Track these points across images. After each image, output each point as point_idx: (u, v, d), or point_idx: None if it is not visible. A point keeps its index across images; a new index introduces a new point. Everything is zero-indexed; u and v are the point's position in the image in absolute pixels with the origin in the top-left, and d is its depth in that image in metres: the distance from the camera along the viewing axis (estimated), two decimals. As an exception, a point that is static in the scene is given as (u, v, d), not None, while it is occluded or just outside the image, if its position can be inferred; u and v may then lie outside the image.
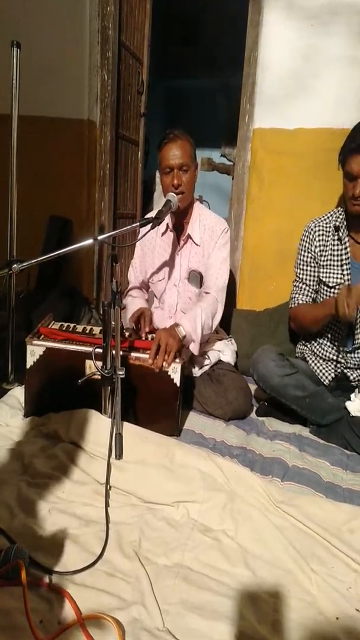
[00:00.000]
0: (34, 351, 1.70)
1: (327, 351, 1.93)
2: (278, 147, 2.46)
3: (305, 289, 1.99)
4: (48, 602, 1.03)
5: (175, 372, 1.66)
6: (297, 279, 2.02)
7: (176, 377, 1.67)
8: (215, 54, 4.89)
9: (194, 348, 1.82)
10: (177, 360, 1.67)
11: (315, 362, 1.97)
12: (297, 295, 2.01)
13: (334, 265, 1.89)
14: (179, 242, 2.04)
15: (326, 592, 1.12)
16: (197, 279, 2.03)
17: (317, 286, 1.97)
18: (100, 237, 1.65)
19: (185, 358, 1.77)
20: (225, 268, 1.98)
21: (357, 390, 1.85)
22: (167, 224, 2.03)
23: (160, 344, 1.65)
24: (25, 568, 1.03)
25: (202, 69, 5.01)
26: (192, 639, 0.98)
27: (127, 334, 1.82)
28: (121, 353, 1.52)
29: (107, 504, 1.33)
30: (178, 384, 1.67)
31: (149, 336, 1.85)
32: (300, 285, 2.00)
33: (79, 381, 1.55)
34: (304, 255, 1.97)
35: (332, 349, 1.92)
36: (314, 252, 1.94)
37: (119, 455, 1.47)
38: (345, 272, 1.87)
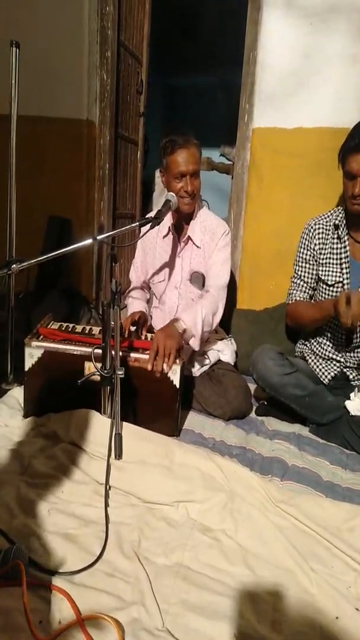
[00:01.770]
0: (33, 352, 1.70)
1: (326, 350, 1.93)
2: (277, 147, 2.45)
3: (302, 286, 1.99)
4: (47, 603, 1.03)
5: (174, 373, 1.65)
6: (295, 276, 2.02)
7: (175, 379, 1.66)
8: (214, 51, 4.85)
9: (194, 343, 1.81)
10: (177, 361, 1.66)
11: (315, 361, 1.97)
12: (294, 292, 2.01)
13: (333, 264, 1.89)
14: (179, 244, 2.04)
15: (326, 591, 1.12)
16: (199, 280, 2.02)
17: (315, 284, 1.98)
18: (99, 237, 1.64)
19: (185, 358, 1.76)
20: (226, 269, 1.98)
21: (356, 389, 1.85)
22: (169, 227, 2.02)
23: (158, 347, 1.63)
24: (24, 568, 1.04)
25: (202, 65, 4.96)
26: (192, 638, 0.98)
27: (126, 334, 1.82)
28: (120, 353, 1.51)
29: (106, 504, 1.33)
30: (177, 386, 1.66)
31: (149, 335, 1.85)
32: (298, 281, 2.00)
33: (79, 381, 1.55)
34: (303, 253, 1.97)
35: (332, 348, 1.92)
36: (313, 249, 1.94)
37: (119, 455, 1.47)
38: (344, 271, 1.87)
